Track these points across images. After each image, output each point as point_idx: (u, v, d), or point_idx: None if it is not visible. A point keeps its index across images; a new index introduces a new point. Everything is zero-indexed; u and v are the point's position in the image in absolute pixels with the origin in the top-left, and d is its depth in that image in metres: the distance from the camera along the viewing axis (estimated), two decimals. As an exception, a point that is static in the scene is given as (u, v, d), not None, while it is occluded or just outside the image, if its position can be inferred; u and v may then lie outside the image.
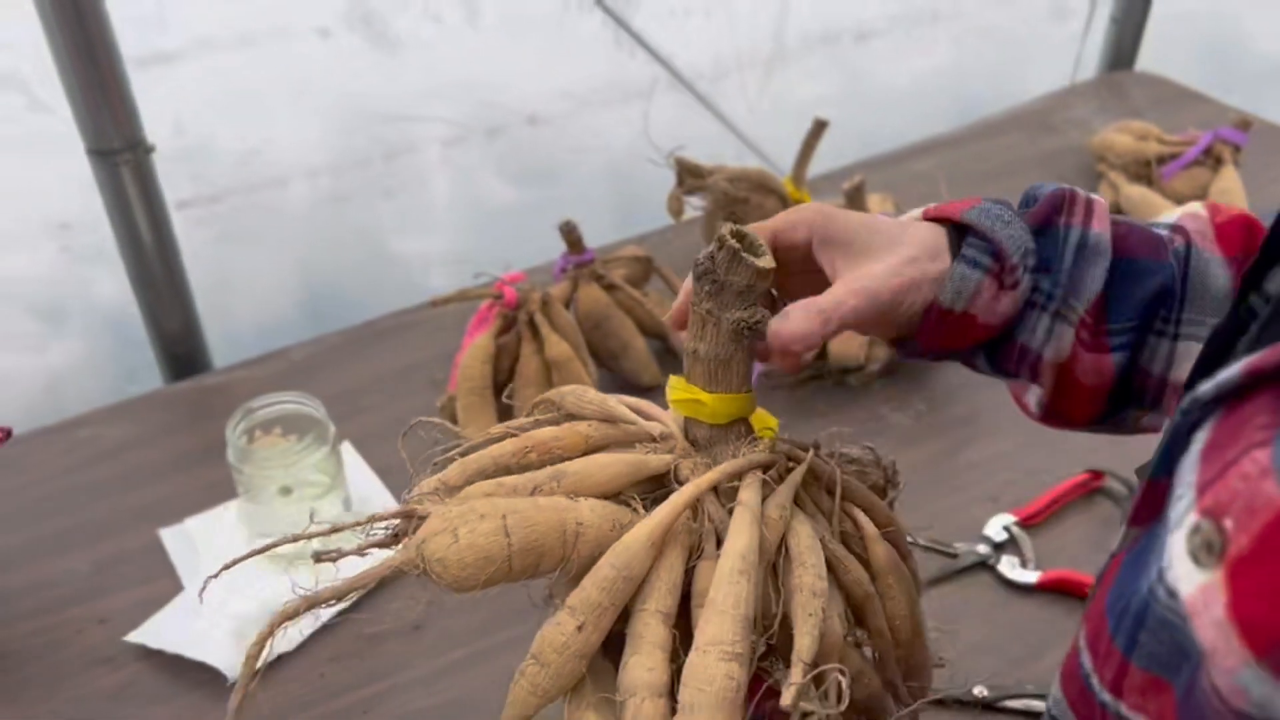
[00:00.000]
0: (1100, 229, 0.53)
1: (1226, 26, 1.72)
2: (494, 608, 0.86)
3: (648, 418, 0.55)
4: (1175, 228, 0.55)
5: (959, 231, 0.52)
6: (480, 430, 0.95)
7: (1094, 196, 0.54)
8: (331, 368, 1.09)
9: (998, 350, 0.54)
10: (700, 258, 0.48)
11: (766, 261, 0.47)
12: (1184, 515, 0.33)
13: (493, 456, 0.52)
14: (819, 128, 1.16)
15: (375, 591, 0.87)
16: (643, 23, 1.26)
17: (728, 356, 0.49)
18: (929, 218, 0.53)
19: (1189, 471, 0.34)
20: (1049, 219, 0.52)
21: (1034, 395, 0.56)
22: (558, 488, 0.50)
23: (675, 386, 0.52)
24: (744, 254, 0.47)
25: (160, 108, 1.03)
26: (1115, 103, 1.46)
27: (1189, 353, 0.53)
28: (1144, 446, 0.48)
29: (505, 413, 0.96)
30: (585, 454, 0.52)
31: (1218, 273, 0.53)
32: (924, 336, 0.52)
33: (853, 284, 0.49)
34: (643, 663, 0.46)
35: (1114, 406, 0.56)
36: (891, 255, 0.50)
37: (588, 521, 0.48)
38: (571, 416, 0.55)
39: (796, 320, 0.48)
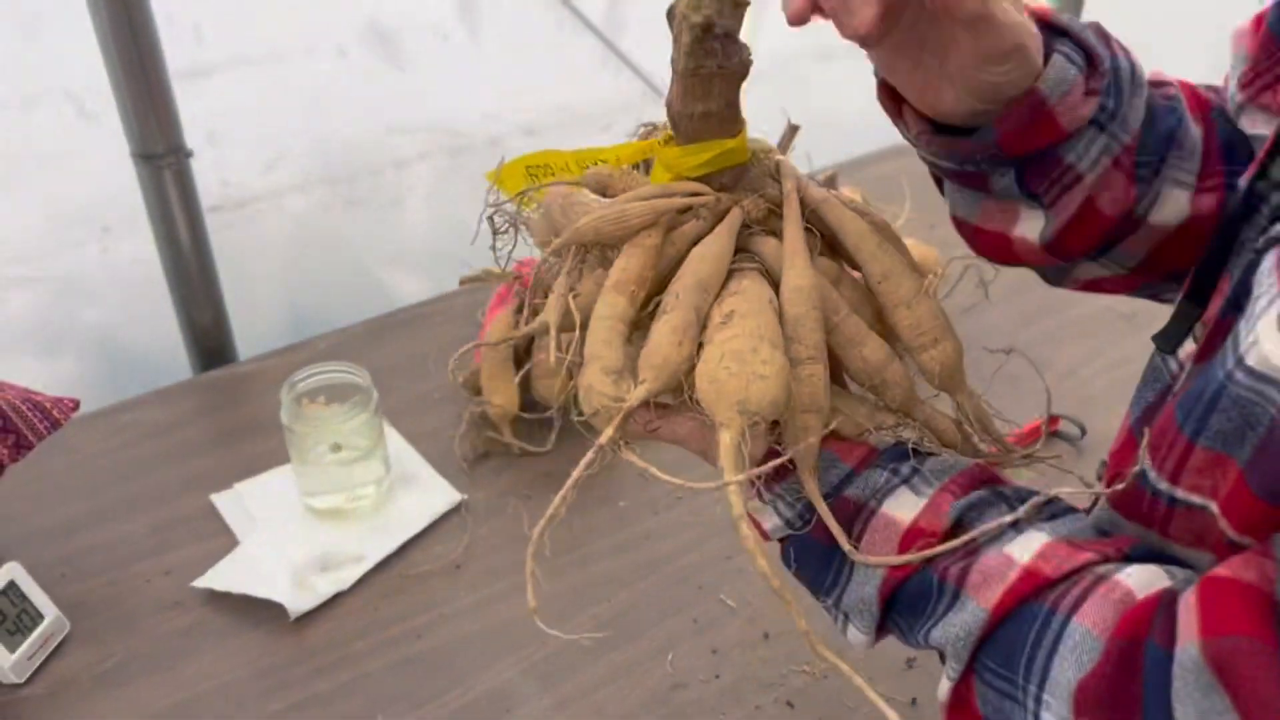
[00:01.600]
0: (1135, 60, 0.57)
1: (1148, 55, 1.89)
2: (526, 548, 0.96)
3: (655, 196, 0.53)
4: (1167, 81, 0.61)
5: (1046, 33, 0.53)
6: (504, 398, 1.05)
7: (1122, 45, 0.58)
8: (356, 355, 1.18)
9: (1033, 167, 0.55)
10: (698, 21, 0.47)
11: None
12: (1270, 305, 0.42)
13: (621, 320, 0.51)
14: (792, 132, 1.29)
15: (418, 538, 0.97)
16: (629, 45, 1.38)
17: (735, 97, 0.52)
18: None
19: (1268, 277, 0.43)
20: (1105, 46, 0.55)
21: (1039, 226, 0.58)
22: (709, 300, 0.51)
23: (691, 152, 0.52)
24: (741, 1, 0.48)
25: (195, 118, 1.13)
26: (1051, 114, 1.61)
27: (1171, 197, 0.58)
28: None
29: (524, 382, 1.06)
30: (660, 264, 0.52)
31: (1195, 129, 0.59)
32: (1006, 123, 0.53)
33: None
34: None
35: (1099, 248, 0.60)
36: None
37: (760, 292, 0.51)
38: (600, 242, 0.53)
39: None
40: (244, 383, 1.17)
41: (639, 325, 0.52)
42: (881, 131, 1.65)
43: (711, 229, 0.54)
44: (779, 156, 0.56)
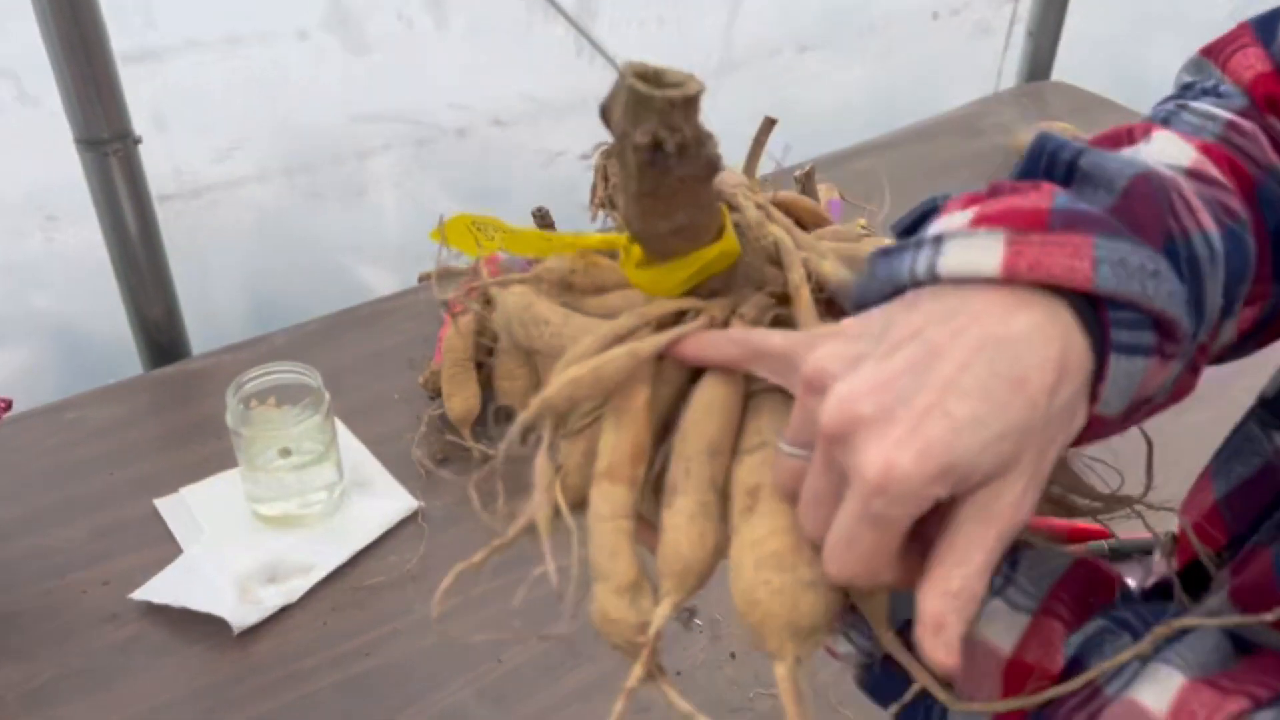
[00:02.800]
0: (1209, 226, 0.40)
1: (1132, 46, 1.86)
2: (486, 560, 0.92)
3: (622, 316, 0.44)
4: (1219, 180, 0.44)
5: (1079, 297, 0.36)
6: (464, 401, 1.01)
7: (1177, 177, 0.40)
8: (313, 352, 1.14)
9: None
10: (643, 142, 0.37)
11: (694, 83, 0.37)
12: None
13: (624, 517, 0.42)
14: (768, 125, 1.24)
15: (371, 548, 0.92)
16: (602, 32, 1.34)
17: (709, 201, 0.41)
18: (1014, 278, 0.35)
19: None
20: (1166, 230, 0.38)
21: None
22: (726, 461, 0.42)
23: (667, 272, 0.43)
24: (694, 95, 0.37)
25: (144, 103, 1.08)
26: (1035, 109, 1.58)
27: (1224, 329, 0.44)
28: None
29: (487, 384, 1.02)
30: (656, 417, 0.44)
31: (1252, 241, 0.43)
32: (1080, 444, 0.40)
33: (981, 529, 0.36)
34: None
35: None
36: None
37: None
38: (576, 406, 0.45)
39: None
40: (196, 380, 1.12)
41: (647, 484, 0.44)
42: (861, 125, 1.61)
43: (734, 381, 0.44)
44: (776, 233, 0.46)
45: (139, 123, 1.06)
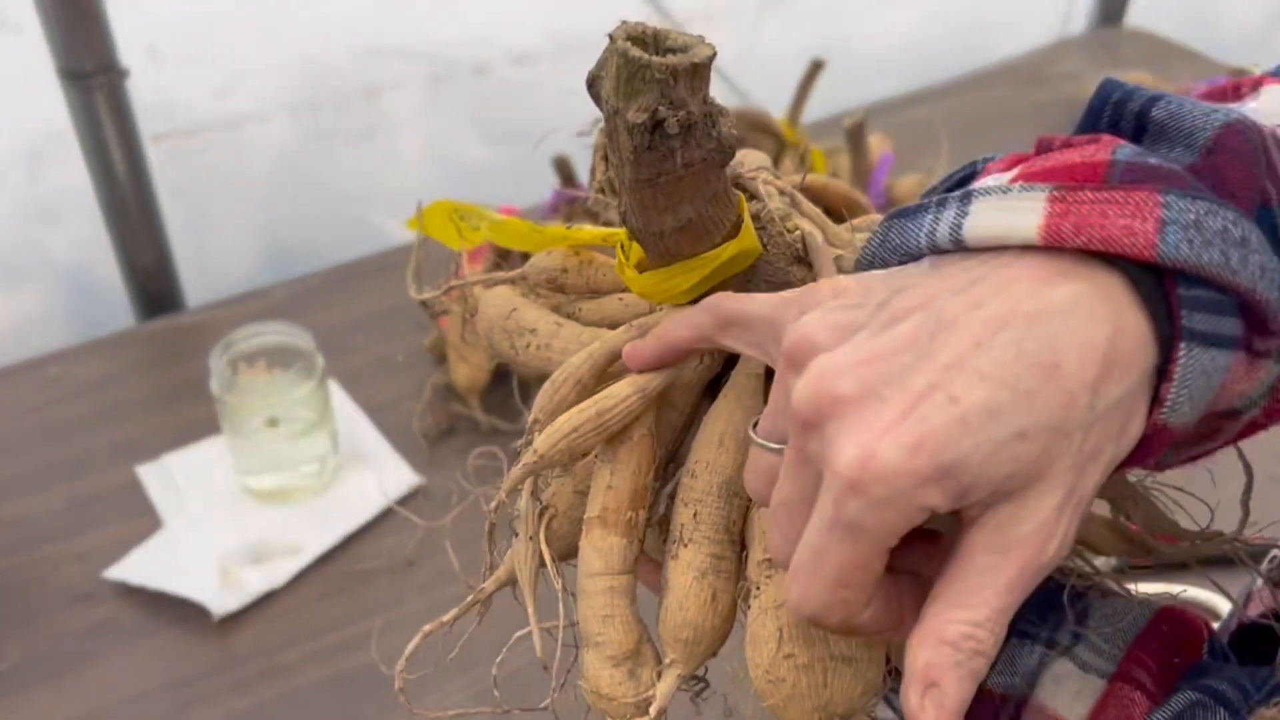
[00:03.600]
0: None
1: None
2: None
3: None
4: None
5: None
6: (470, 369, 0.93)
7: (1277, 129, 0.32)
8: (314, 308, 1.06)
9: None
10: (640, 120, 0.30)
11: (702, 48, 0.31)
12: None
13: (620, 572, 0.36)
14: (815, 68, 1.14)
15: (367, 529, 0.85)
16: (636, -39, 1.23)
17: (722, 190, 0.34)
18: (1056, 244, 0.28)
19: None
20: (1261, 191, 0.30)
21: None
22: (742, 506, 0.36)
23: (672, 275, 0.36)
24: (702, 62, 0.31)
25: (133, 32, 0.99)
26: (1106, 57, 1.45)
27: None
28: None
29: (498, 350, 0.93)
30: (658, 451, 0.37)
31: None
32: (1149, 463, 0.31)
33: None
34: None
35: None
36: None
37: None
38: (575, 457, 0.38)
39: None
40: (187, 335, 1.05)
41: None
42: (915, 69, 1.48)
43: (723, 367, 0.37)
44: (805, 228, 0.37)
45: (128, 54, 0.98)
